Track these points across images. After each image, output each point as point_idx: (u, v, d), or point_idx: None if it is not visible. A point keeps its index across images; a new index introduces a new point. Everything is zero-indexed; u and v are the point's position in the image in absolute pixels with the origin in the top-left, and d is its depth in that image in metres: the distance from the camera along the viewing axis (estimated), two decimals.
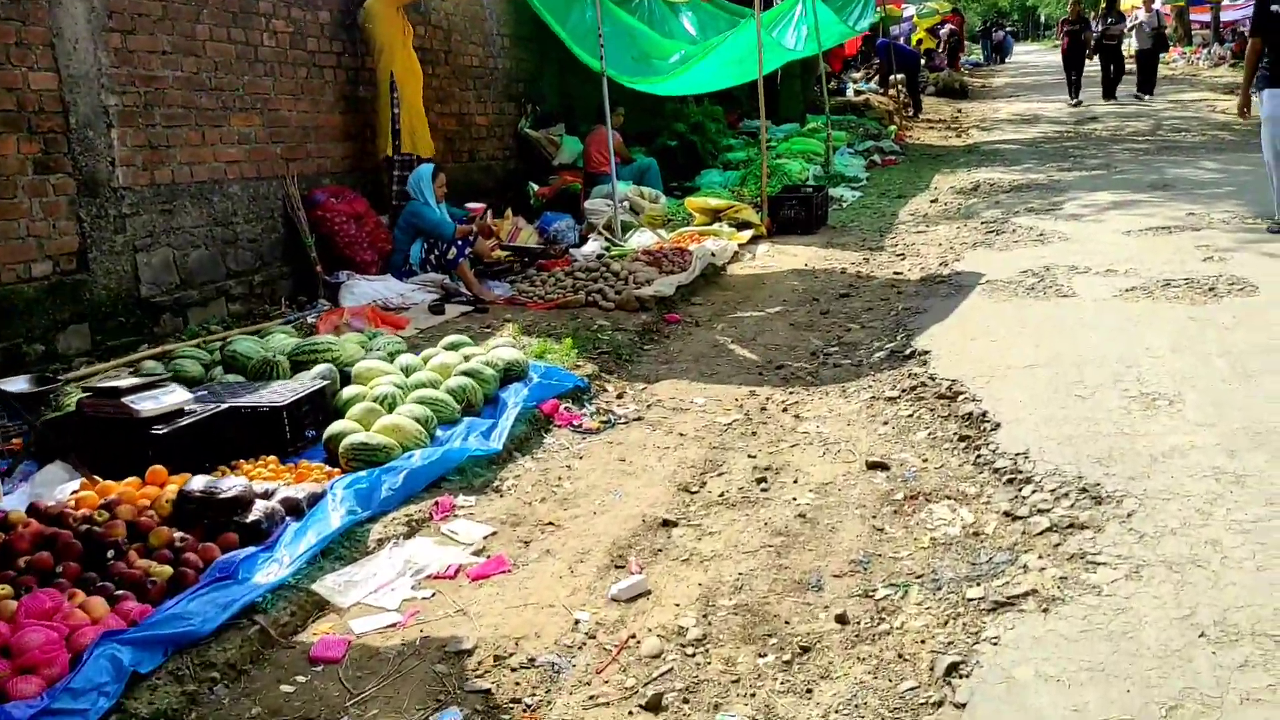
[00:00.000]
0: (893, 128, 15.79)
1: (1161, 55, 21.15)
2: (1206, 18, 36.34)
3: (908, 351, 5.54)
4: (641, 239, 8.72)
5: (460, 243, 7.19)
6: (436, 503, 3.90)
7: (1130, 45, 20.30)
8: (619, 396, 5.34)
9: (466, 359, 5.13)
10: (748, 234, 9.05)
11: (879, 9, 26.51)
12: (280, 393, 4.40)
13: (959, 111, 20.52)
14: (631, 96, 10.79)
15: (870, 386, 5.12)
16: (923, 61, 28.08)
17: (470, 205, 8.34)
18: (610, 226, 8.76)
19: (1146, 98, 18.76)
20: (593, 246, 8.08)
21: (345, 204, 7.41)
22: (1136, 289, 6.26)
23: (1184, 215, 8.41)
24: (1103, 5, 20.05)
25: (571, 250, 7.95)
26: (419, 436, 4.21)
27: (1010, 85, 28.53)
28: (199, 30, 6.45)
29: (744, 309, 6.98)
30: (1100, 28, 19.00)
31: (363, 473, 3.88)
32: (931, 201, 10.59)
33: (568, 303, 6.87)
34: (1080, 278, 6.70)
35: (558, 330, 6.27)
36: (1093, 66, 21.20)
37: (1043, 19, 76.04)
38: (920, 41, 33.79)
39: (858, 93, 18.26)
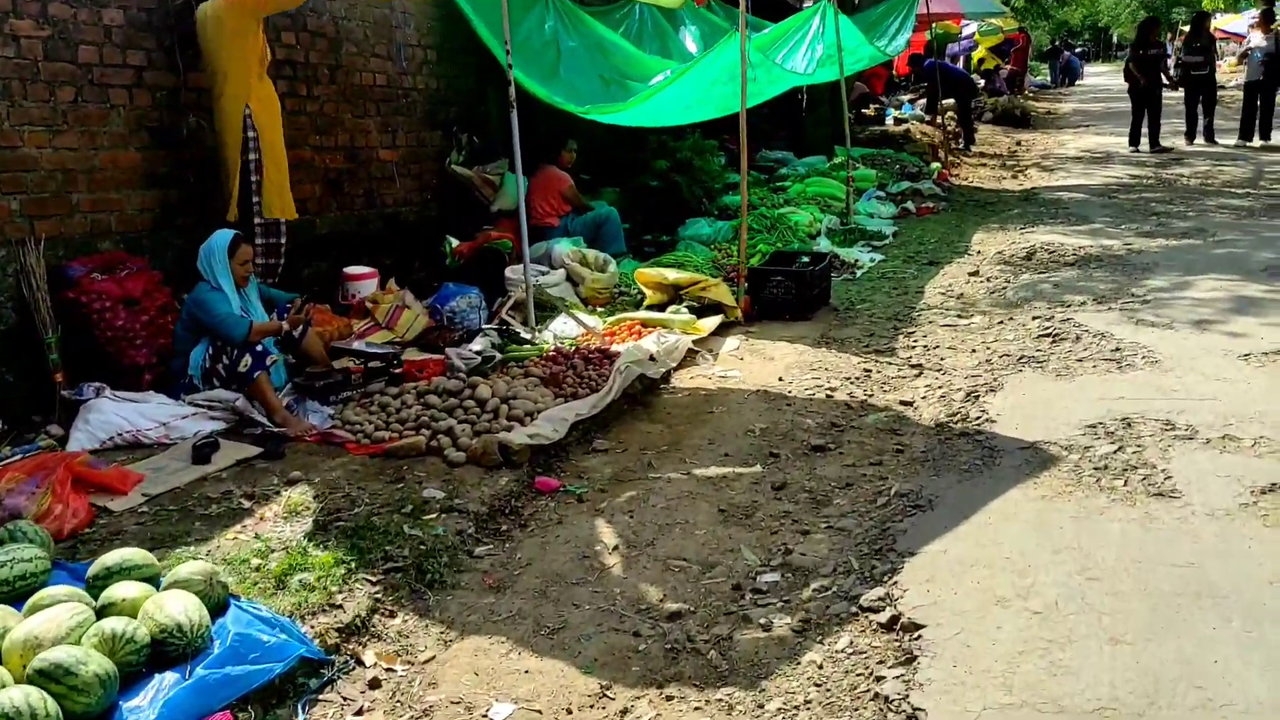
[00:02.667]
0: (935, 165, 13.33)
1: None
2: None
3: (886, 616, 3.18)
4: (563, 328, 6.42)
5: (259, 348, 4.93)
6: None
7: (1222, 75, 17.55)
8: (373, 686, 3.06)
9: (81, 626, 2.87)
10: (714, 321, 6.70)
11: (936, 26, 24.06)
12: None
13: (1018, 144, 17.94)
14: (608, 126, 8.54)
15: (807, 703, 2.79)
16: (981, 84, 25.51)
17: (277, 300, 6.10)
18: (519, 308, 6.47)
19: (1254, 144, 15.49)
20: (479, 344, 5.78)
21: (116, 281, 5.19)
22: (1279, 489, 3.83)
23: None
24: (1182, 30, 17.04)
25: (449, 352, 5.65)
26: None
27: (1078, 113, 25.78)
28: None
29: (666, 465, 4.65)
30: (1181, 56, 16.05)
31: None
32: (970, 275, 8.15)
33: (402, 448, 4.59)
34: (1183, 450, 4.28)
35: (360, 506, 4.01)
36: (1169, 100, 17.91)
37: (1115, 39, 72.61)
38: (981, 62, 31.21)
39: (898, 121, 15.79)
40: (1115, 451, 4.32)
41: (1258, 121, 15.43)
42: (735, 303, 7.00)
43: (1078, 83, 42.02)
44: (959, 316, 6.97)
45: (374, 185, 7.61)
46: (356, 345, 5.60)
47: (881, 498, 4.14)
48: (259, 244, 5.94)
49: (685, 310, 6.75)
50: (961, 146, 16.74)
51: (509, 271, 7.08)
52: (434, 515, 4.04)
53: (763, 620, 3.28)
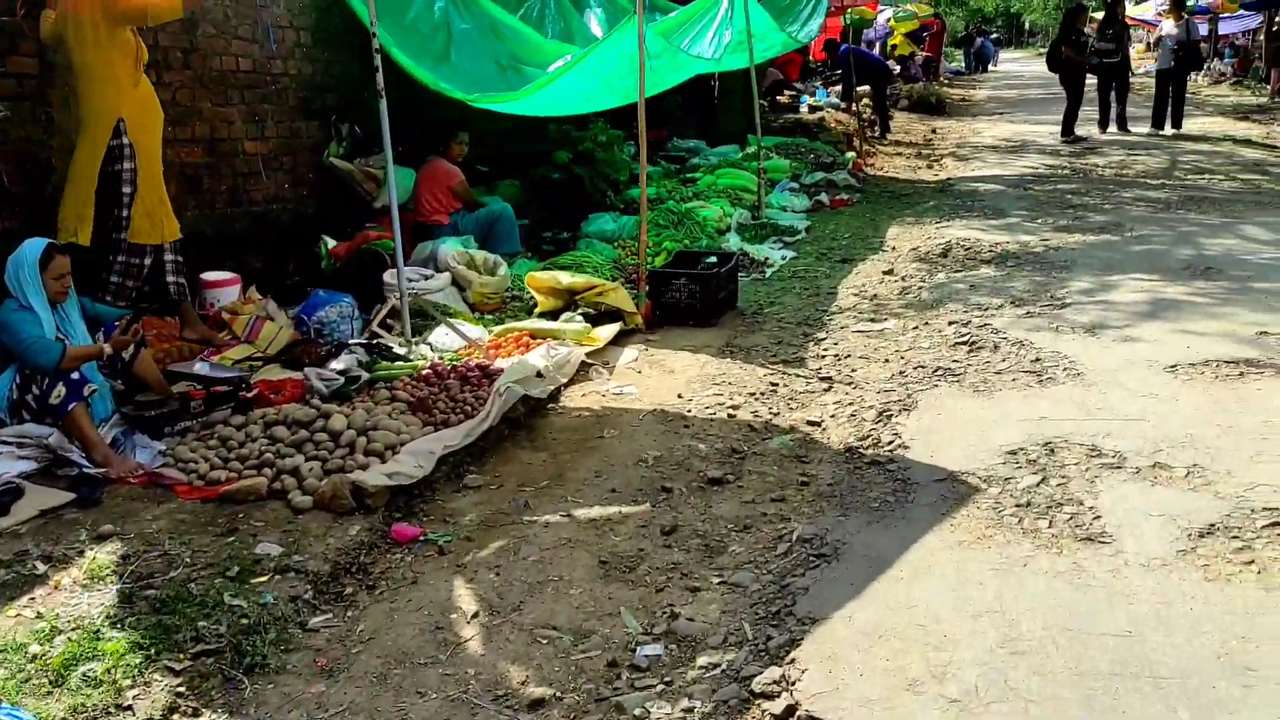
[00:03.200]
0: (850, 155, 12.97)
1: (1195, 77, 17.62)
2: (1203, 29, 33.80)
3: (781, 707, 2.71)
4: (444, 341, 5.83)
5: (75, 376, 4.28)
6: None
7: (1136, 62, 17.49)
8: None
9: None
10: (612, 330, 6.18)
11: (851, 12, 23.79)
12: None
13: (933, 132, 17.72)
14: (508, 116, 7.96)
15: None
16: (896, 70, 25.35)
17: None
18: (394, 319, 5.87)
19: (1166, 132, 15.35)
20: (344, 362, 5.17)
21: None
22: (1218, 530, 3.44)
23: (1253, 335, 5.60)
24: (1094, 18, 16.74)
25: (308, 373, 5.03)
26: None
27: (993, 100, 25.79)
28: None
29: (545, 504, 4.11)
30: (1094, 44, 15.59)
31: None
32: (885, 273, 7.75)
33: (239, 491, 3.99)
34: (1112, 482, 3.88)
35: (178, 567, 3.41)
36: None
37: (1027, 25, 73.69)
38: (896, 48, 31.12)
39: (813, 108, 15.40)
40: (1039, 484, 3.91)
41: (1169, 109, 15.35)
42: (635, 309, 6.48)
43: (991, 69, 42.37)
44: (872, 320, 6.55)
45: (239, 181, 6.92)
46: (198, 367, 4.94)
47: (782, 543, 3.66)
48: (118, 262, 5.28)
49: (580, 318, 6.21)
50: (877, 134, 16.44)
51: (388, 276, 6.47)
52: (265, 577, 3.46)
53: (639, 711, 2.77)
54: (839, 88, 16.64)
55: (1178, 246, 7.94)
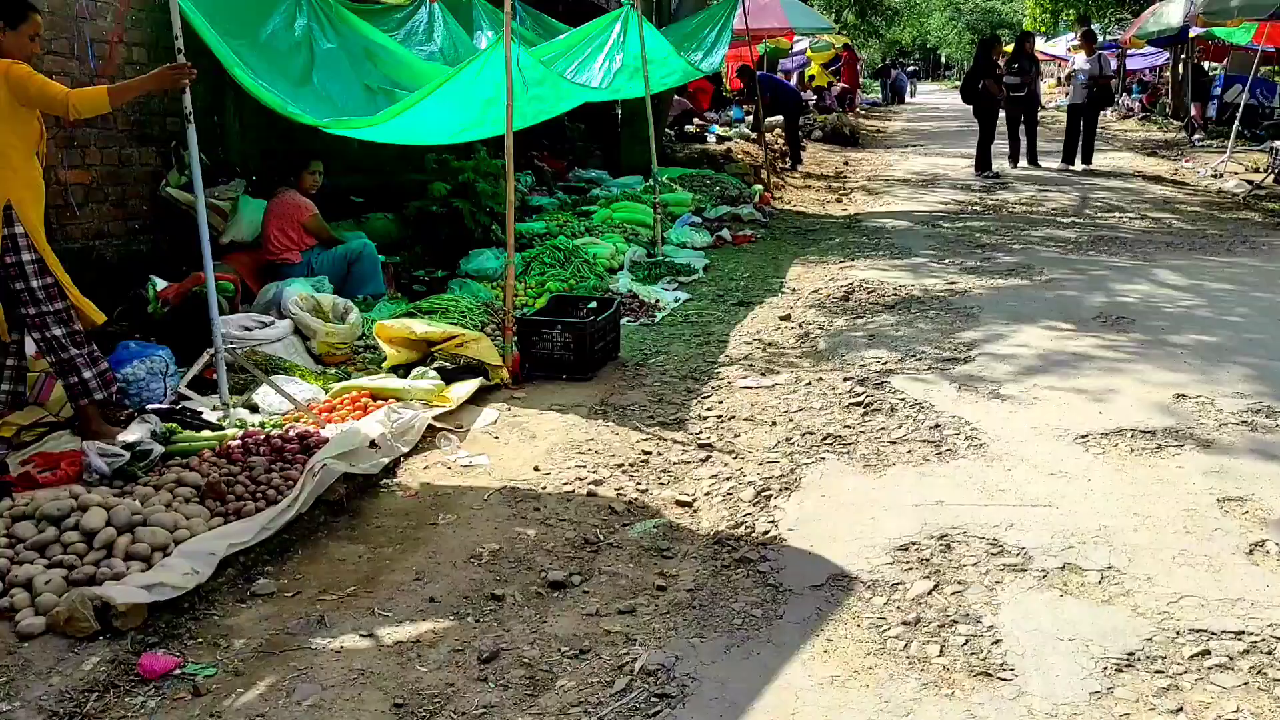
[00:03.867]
0: (757, 188, 12.47)
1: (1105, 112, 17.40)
2: (1112, 65, 34.41)
3: None
4: (272, 402, 5.07)
5: None
6: None
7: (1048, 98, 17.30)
8: None
9: None
10: (470, 387, 5.47)
11: (766, 40, 23.52)
12: None
13: (846, 164, 17.38)
14: (385, 144, 7.25)
15: None
16: (812, 100, 25.18)
17: None
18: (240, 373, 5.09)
19: (1077, 168, 15.25)
20: (135, 433, 4.39)
21: None
22: (1138, 661, 2.86)
23: (1169, 398, 5.11)
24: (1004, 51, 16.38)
25: (86, 447, 4.23)
26: None
27: (908, 131, 25.73)
28: None
29: (346, 618, 3.38)
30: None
31: None
32: (781, 319, 7.18)
33: None
34: (1015, 590, 3.29)
35: None
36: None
37: (944, 59, 75.17)
38: (812, 79, 31.06)
39: (721, 139, 14.90)
40: (931, 591, 3.30)
41: (1080, 145, 15.21)
42: (501, 361, 5.79)
43: (907, 100, 42.74)
44: (763, 374, 5.95)
45: (52, 214, 6.07)
46: None
47: (622, 675, 2.99)
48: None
49: (434, 373, 5.50)
50: (789, 166, 16.03)
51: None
52: None
53: None
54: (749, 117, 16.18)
55: (1089, 292, 7.51)
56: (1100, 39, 31.43)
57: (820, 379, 5.77)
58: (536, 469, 4.64)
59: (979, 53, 15.11)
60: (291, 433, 4.54)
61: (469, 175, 8.57)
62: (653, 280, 8.45)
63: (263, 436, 4.49)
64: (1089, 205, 11.84)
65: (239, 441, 4.45)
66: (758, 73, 17.36)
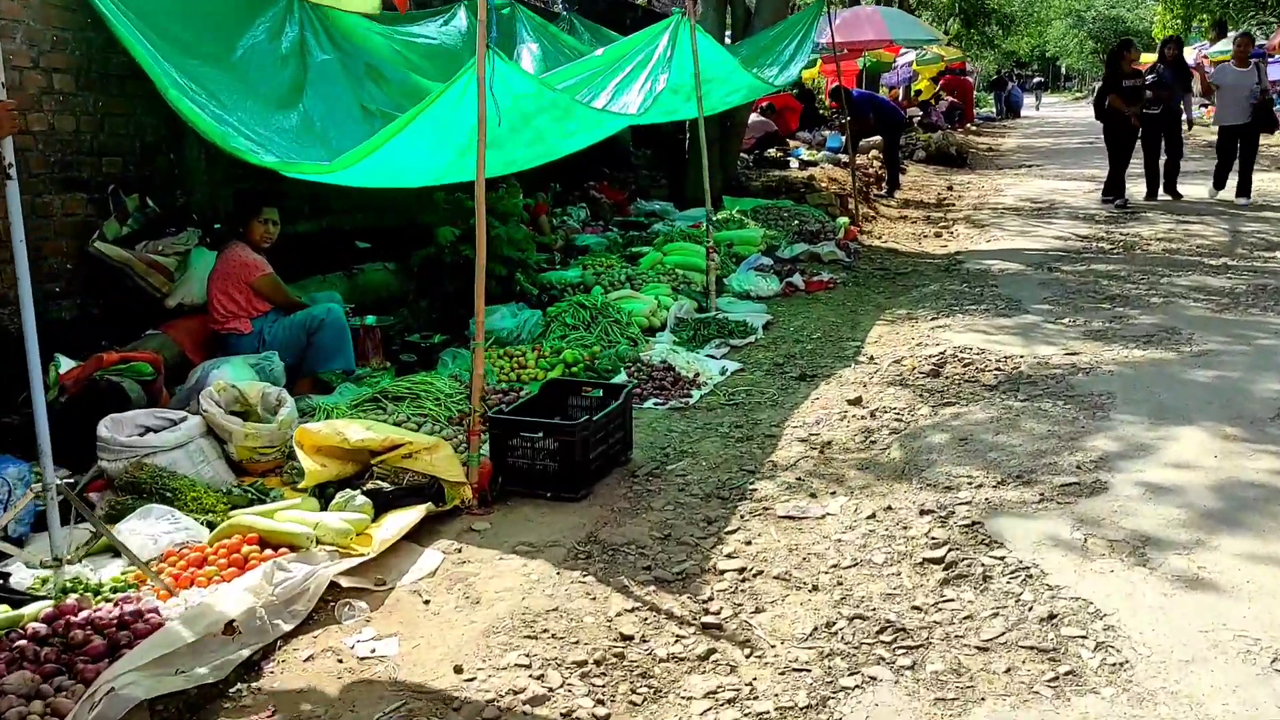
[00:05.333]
0: (842, 221, 10.86)
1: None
2: (1270, 75, 31.23)
3: None
4: (146, 541, 3.76)
5: None
6: None
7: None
8: None
9: None
10: (409, 520, 4.09)
11: (866, 54, 21.81)
12: None
13: (950, 189, 15.59)
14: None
15: None
16: (917, 118, 23.36)
17: None
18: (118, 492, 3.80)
19: (1235, 200, 12.34)
20: None
21: None
22: None
23: None
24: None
25: None
26: None
27: (1022, 149, 23.62)
28: None
29: None
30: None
31: None
32: (850, 403, 5.64)
33: None
34: None
35: None
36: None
37: (1064, 69, 71.72)
38: (919, 93, 29.17)
39: (805, 164, 13.31)
40: None
41: (1238, 173, 12.48)
42: (464, 475, 4.41)
43: (1023, 115, 40.27)
44: (813, 495, 4.44)
45: None
46: None
47: None
48: None
49: (362, 499, 4.14)
50: (884, 192, 14.35)
51: (103, 425, 4.44)
52: None
53: None
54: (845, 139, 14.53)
55: (1259, 373, 5.74)
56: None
57: (888, 508, 4.23)
58: (459, 670, 3.22)
59: (1108, 63, 13.08)
60: (113, 613, 3.21)
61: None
62: (699, 343, 6.98)
63: (80, 617, 3.18)
64: (1242, 243, 9.89)
65: (44, 619, 3.16)
66: (854, 90, 15.78)
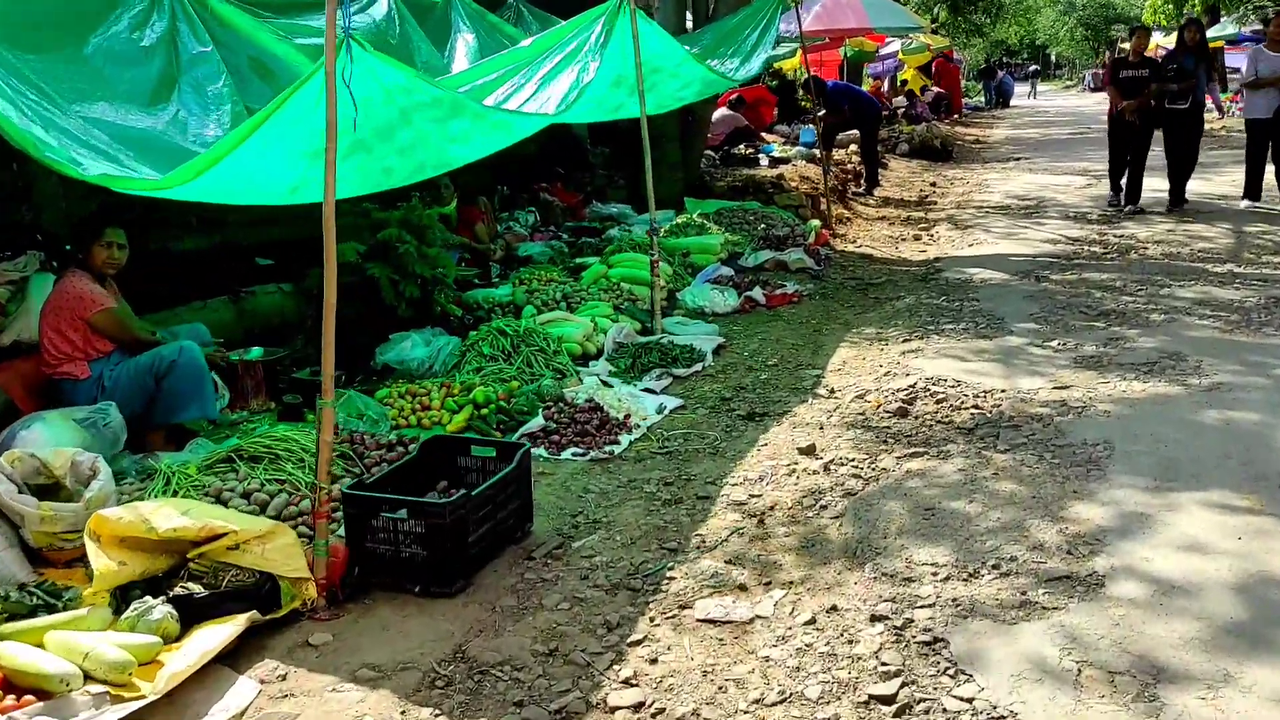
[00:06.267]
0: (813, 224, 9.99)
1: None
2: (1241, 61, 30.41)
3: None
4: None
5: None
6: None
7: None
8: None
9: None
10: (217, 640, 3.20)
11: (848, 43, 20.88)
12: None
13: (933, 185, 14.72)
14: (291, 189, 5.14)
15: None
16: (902, 109, 22.50)
17: None
18: None
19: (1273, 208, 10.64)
20: None
21: None
22: None
23: None
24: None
25: None
26: None
27: (1011, 141, 22.75)
28: None
29: None
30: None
31: None
32: (802, 452, 4.80)
33: None
34: None
35: None
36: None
37: (1054, 58, 70.83)
38: (905, 83, 28.29)
39: (776, 161, 12.39)
40: None
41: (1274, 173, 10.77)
42: (307, 569, 3.53)
43: (1035, 99, 39.41)
44: (740, 590, 3.58)
45: None
46: None
47: None
48: None
49: (163, 609, 3.26)
50: (863, 190, 13.48)
51: None
52: None
53: None
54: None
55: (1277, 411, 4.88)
56: (1235, 32, 27.77)
57: (832, 609, 3.38)
58: None
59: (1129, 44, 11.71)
60: None
61: (392, 232, 6.34)
62: (638, 374, 6.11)
63: None
64: (1249, 246, 9.03)
65: None
66: (829, 82, 14.90)
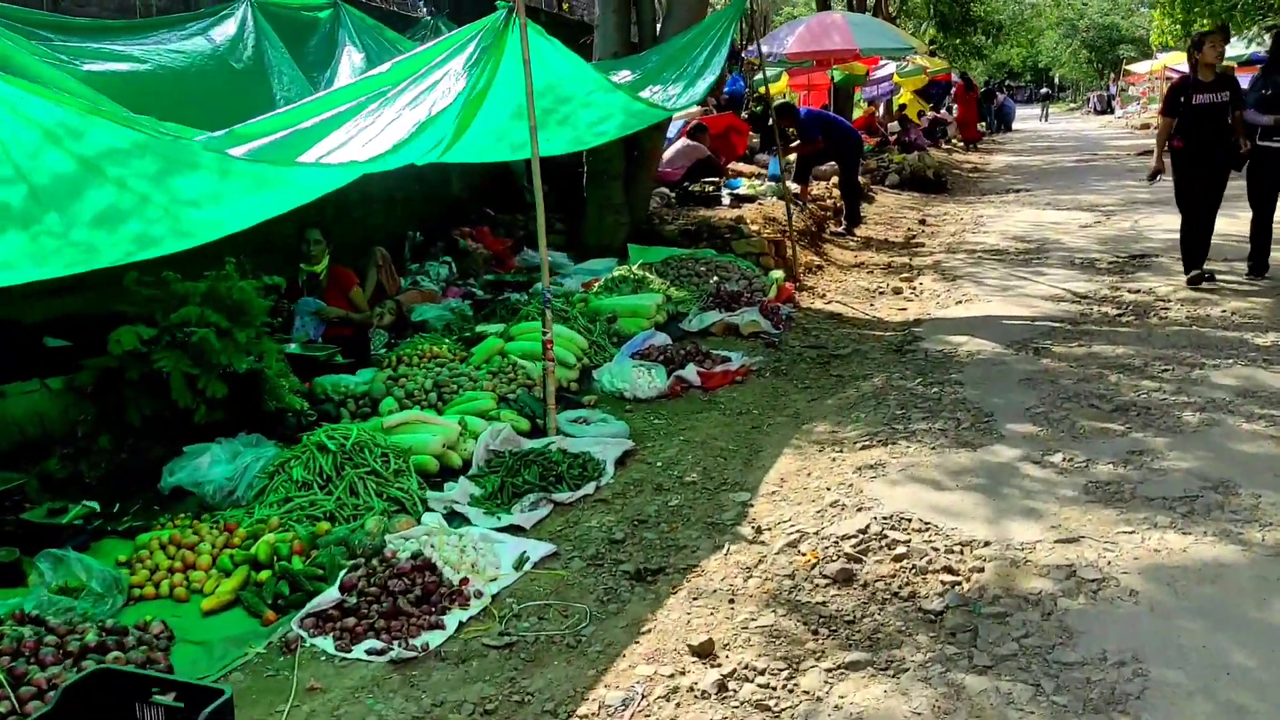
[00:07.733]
0: (775, 275, 8.49)
1: None
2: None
3: None
4: None
5: None
6: None
7: None
8: None
9: None
10: None
11: (835, 67, 19.45)
12: None
13: (922, 224, 13.22)
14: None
15: None
16: (892, 137, 21.08)
17: None
18: None
19: None
20: None
21: None
22: None
23: None
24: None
25: None
26: None
27: (1010, 169, 21.26)
28: None
29: None
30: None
31: None
32: (693, 655, 3.30)
33: None
34: None
35: None
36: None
37: (1057, 80, 69.46)
38: (903, 108, 26.87)
39: (738, 200, 10.88)
40: None
41: None
42: None
43: (1046, 124, 37.99)
44: None
45: None
46: None
47: None
48: None
49: None
50: (842, 230, 12.00)
51: None
52: None
53: None
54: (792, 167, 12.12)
55: None
56: (1246, 52, 26.24)
57: None
58: None
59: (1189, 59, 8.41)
60: None
61: (191, 311, 4.85)
62: (506, 500, 4.63)
63: None
64: None
65: None
66: (802, 110, 13.46)
